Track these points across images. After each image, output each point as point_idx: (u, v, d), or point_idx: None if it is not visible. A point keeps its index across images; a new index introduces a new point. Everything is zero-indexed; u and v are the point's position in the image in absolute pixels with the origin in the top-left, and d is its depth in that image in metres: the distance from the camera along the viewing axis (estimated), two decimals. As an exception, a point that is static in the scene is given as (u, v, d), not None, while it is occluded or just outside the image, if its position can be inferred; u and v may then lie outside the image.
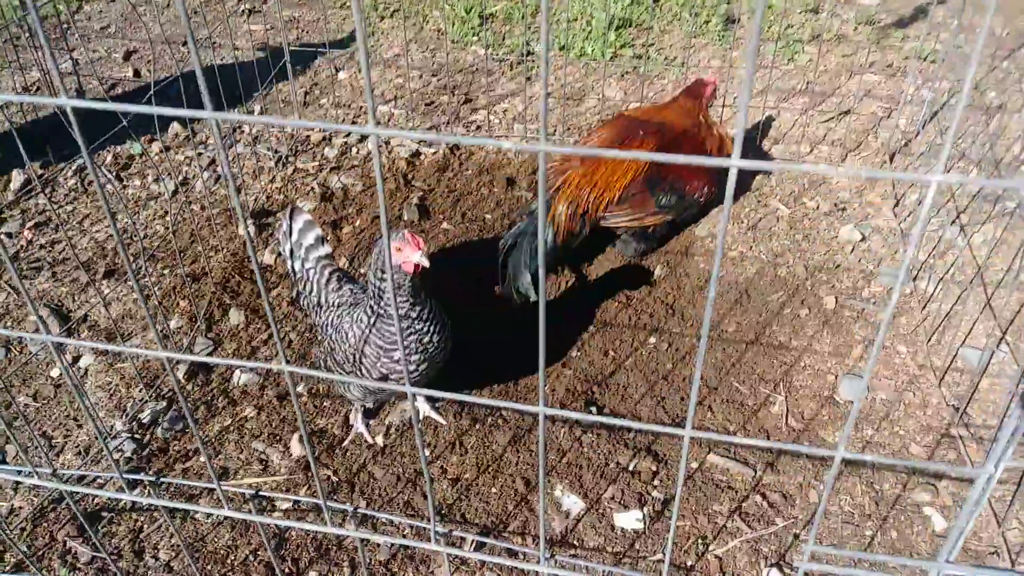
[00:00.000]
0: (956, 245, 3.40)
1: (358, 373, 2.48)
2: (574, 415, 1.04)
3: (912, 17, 5.43)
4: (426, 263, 2.25)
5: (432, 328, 2.41)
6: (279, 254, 3.45)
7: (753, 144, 4.13)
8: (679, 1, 5.58)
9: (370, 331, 2.39)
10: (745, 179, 3.91)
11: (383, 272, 2.30)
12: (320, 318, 2.66)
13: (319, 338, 2.71)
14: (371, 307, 2.38)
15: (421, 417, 2.83)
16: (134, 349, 1.06)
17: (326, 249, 2.73)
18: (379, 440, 2.75)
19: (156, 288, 3.32)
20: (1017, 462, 1.20)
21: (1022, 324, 3.09)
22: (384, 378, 2.44)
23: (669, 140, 3.38)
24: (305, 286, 2.74)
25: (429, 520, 2.49)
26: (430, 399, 2.85)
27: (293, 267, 2.78)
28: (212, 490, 2.61)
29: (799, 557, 2.39)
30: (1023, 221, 3.46)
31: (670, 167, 3.33)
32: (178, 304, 3.25)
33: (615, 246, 3.53)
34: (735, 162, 0.84)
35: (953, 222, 3.47)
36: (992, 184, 0.88)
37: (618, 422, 1.04)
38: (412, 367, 2.43)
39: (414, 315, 2.36)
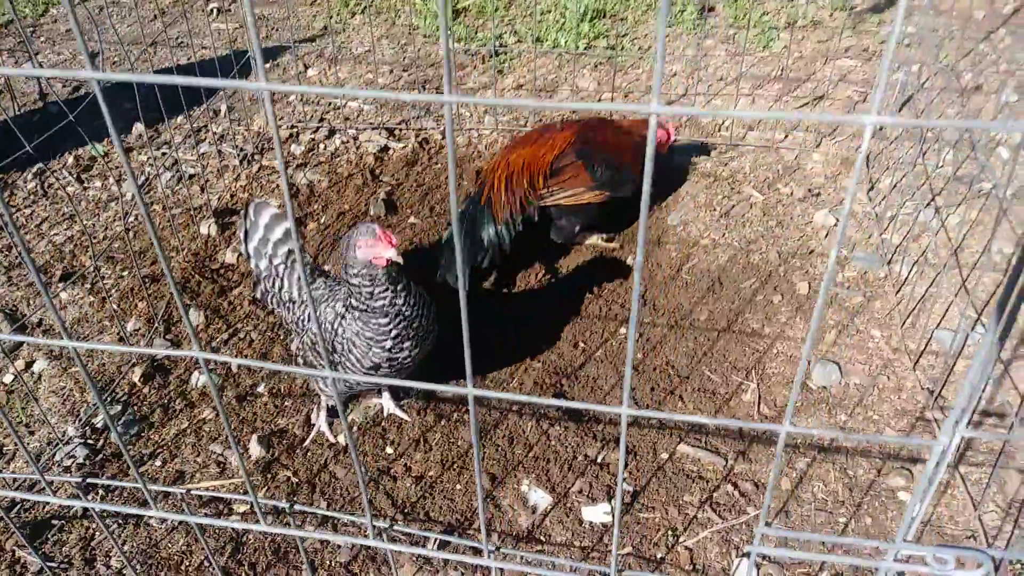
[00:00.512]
0: (931, 228, 3.34)
1: (345, 365, 2.41)
2: (501, 395, 0.97)
3: (888, 2, 5.37)
4: (399, 259, 2.19)
5: (419, 312, 2.35)
6: (240, 254, 3.38)
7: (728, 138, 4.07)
8: (653, -9, 5.52)
9: (357, 323, 2.32)
10: (718, 170, 3.84)
11: (349, 267, 2.24)
12: (295, 313, 2.58)
13: (295, 333, 2.64)
14: (349, 302, 2.32)
15: (386, 415, 2.76)
16: (90, 344, 0.99)
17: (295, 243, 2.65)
18: (340, 439, 2.67)
19: (114, 290, 3.24)
20: (974, 432, 1.13)
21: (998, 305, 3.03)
22: (376, 367, 2.38)
23: (593, 126, 3.37)
24: (274, 283, 2.65)
25: (384, 519, 2.41)
26: (394, 396, 2.77)
27: (258, 264, 2.70)
28: (168, 494, 2.53)
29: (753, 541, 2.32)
30: (998, 201, 3.40)
31: (599, 140, 3.33)
32: (136, 306, 3.17)
33: (552, 233, 3.43)
34: (654, 108, 0.78)
35: (928, 204, 3.41)
36: (920, 124, 0.80)
37: (545, 401, 0.97)
38: (404, 354, 2.37)
39: (399, 302, 2.29)
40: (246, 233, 2.69)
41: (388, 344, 2.32)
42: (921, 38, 4.69)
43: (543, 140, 3.33)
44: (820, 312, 0.87)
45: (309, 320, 2.51)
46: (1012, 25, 5.05)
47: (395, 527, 1.60)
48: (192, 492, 1.93)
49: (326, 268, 3.29)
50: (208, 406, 2.80)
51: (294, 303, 2.60)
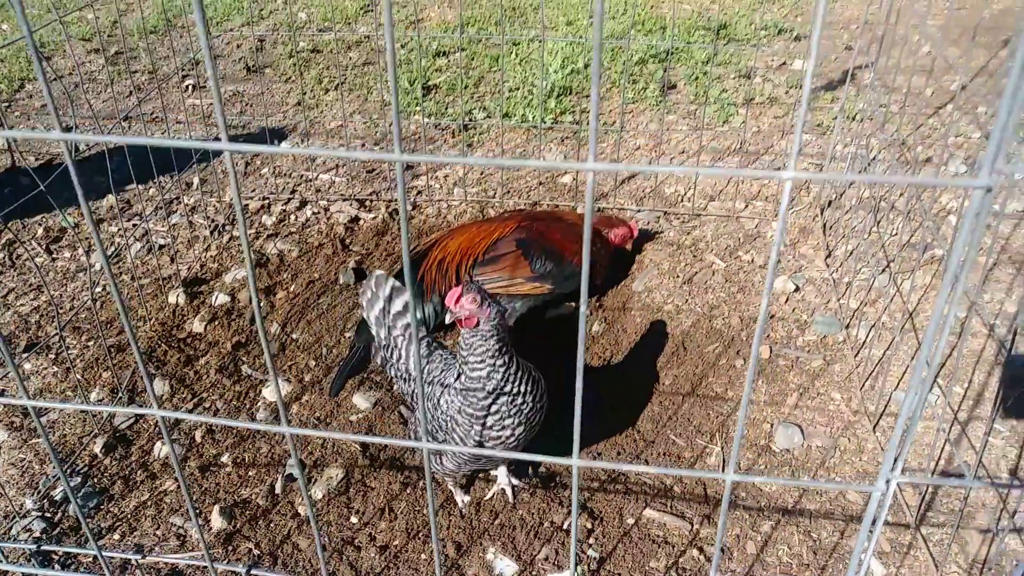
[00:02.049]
0: (887, 293, 3.44)
1: (451, 442, 2.37)
2: (458, 449, 1.00)
3: (840, 80, 5.63)
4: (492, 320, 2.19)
5: (525, 389, 2.28)
6: (207, 323, 3.38)
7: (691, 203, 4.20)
8: (618, 69, 5.75)
9: (458, 397, 2.29)
10: (681, 239, 3.95)
11: (469, 334, 2.21)
12: (409, 386, 2.58)
13: (408, 407, 2.62)
14: (459, 372, 2.29)
15: (505, 486, 2.70)
16: (49, 403, 1.00)
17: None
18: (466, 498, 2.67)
19: (78, 360, 3.22)
20: (909, 477, 1.17)
21: (952, 367, 3.10)
22: (480, 444, 2.32)
23: (540, 217, 3.44)
24: (392, 353, 2.64)
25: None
26: (516, 468, 2.74)
27: (379, 333, 2.68)
28: (125, 568, 2.47)
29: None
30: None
31: (543, 231, 3.37)
32: (100, 376, 3.15)
33: None
34: (590, 165, 0.84)
35: (883, 270, 3.52)
36: (832, 178, 0.86)
37: (500, 454, 1.00)
38: (507, 432, 2.30)
39: (503, 377, 2.23)
40: (368, 302, 2.68)
41: (489, 422, 2.27)
42: (872, 113, 4.92)
43: (484, 226, 3.38)
44: (755, 352, 0.91)
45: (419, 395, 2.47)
46: (959, 101, 5.31)
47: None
48: (147, 559, 1.89)
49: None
50: (170, 477, 2.76)
51: (410, 375, 2.58)
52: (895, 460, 1.09)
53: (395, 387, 2.70)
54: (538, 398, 2.34)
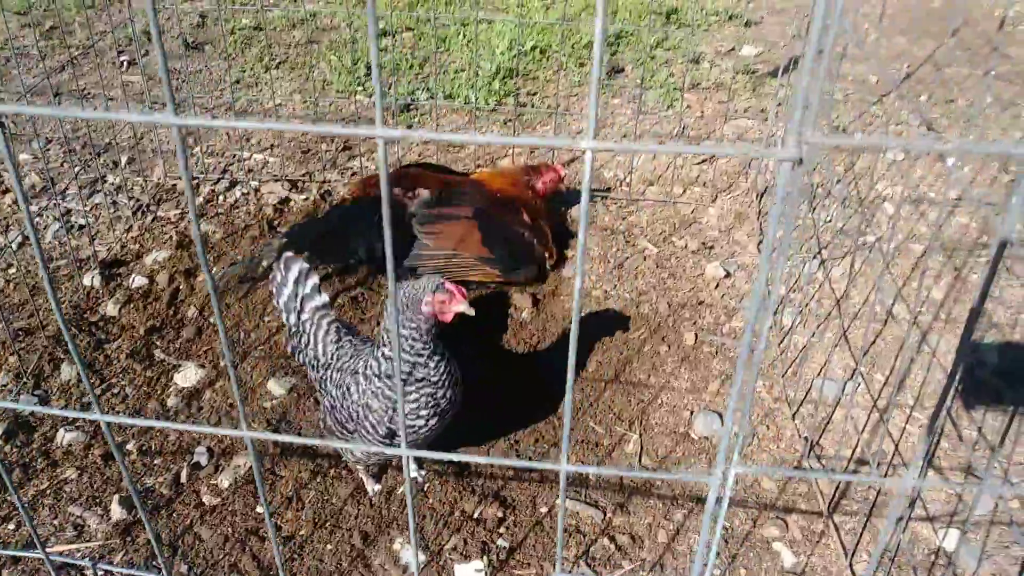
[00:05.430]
0: (817, 279, 3.43)
1: (362, 432, 2.30)
2: (291, 439, 0.93)
3: (787, 67, 5.61)
4: (471, 312, 2.16)
5: (446, 381, 2.24)
6: (121, 303, 3.27)
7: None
8: (565, 52, 5.67)
9: (379, 382, 2.23)
10: (615, 224, 3.90)
11: (409, 322, 2.17)
12: (318, 373, 2.48)
13: (319, 393, 2.53)
14: (383, 355, 2.23)
15: (415, 474, 2.64)
16: None
17: (323, 298, 2.52)
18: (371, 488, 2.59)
19: (-17, 344, 3.09)
20: (744, 468, 1.12)
21: (877, 354, 3.10)
22: (391, 435, 2.26)
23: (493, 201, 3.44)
24: (301, 339, 2.54)
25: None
26: (419, 460, 2.66)
27: (288, 319, 2.58)
28: (17, 560, 2.37)
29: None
30: (881, 255, 3.52)
31: (496, 208, 3.36)
32: (7, 360, 3.02)
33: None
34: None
35: (815, 256, 3.50)
36: (633, 149, 0.81)
37: (314, 441, 0.93)
38: (421, 423, 2.25)
39: (431, 365, 2.20)
40: (277, 287, 2.58)
41: (406, 409, 2.21)
42: (819, 100, 4.90)
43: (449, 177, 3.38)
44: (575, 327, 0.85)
45: (327, 383, 2.42)
46: (903, 89, 5.32)
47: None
48: (33, 554, 1.81)
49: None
50: (72, 465, 2.66)
51: (319, 362, 2.49)
52: (729, 448, 1.05)
53: (308, 375, 2.62)
54: (456, 391, 2.31)
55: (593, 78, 0.72)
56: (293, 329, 2.59)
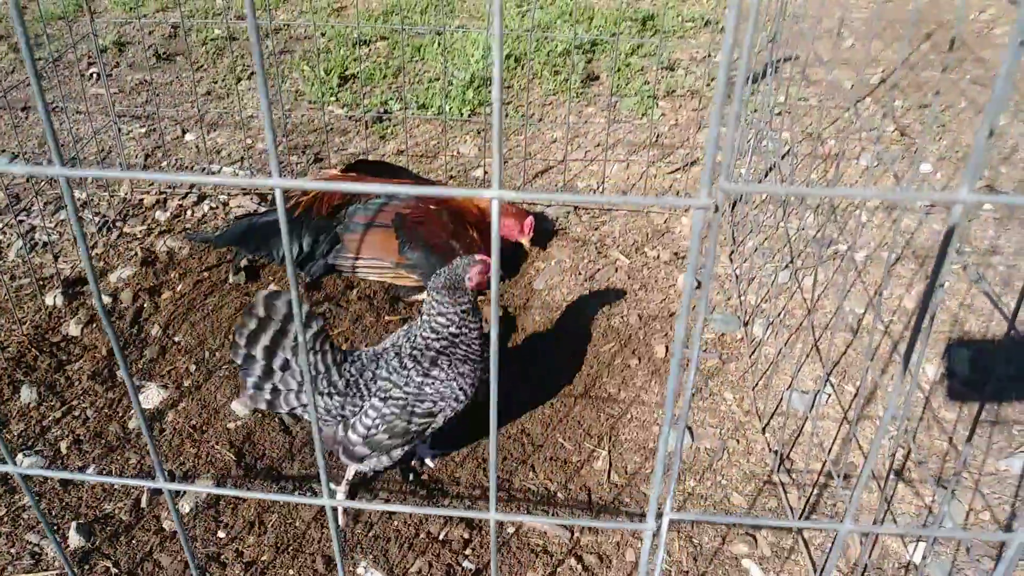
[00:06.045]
0: (789, 289, 3.41)
1: (449, 405, 2.45)
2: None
3: (763, 72, 5.61)
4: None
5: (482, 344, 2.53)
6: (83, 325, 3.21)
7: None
8: (540, 60, 5.65)
9: (457, 364, 2.46)
10: (587, 235, 3.88)
11: (460, 297, 2.43)
12: (359, 391, 2.41)
13: (362, 414, 2.41)
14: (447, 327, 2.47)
15: (426, 465, 2.74)
16: None
17: (319, 323, 2.33)
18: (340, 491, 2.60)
19: (-60, 367, 3.03)
20: (679, 515, 1.09)
21: (848, 364, 3.09)
22: (473, 393, 2.51)
23: (427, 204, 3.42)
24: (288, 385, 2.38)
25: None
26: (433, 449, 2.77)
27: (268, 367, 2.35)
28: (-30, 593, 2.31)
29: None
30: (853, 264, 3.51)
31: (416, 215, 3.35)
32: (-36, 384, 2.96)
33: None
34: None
35: (786, 266, 3.49)
36: (553, 198, 0.77)
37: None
38: (476, 380, 2.51)
39: (476, 329, 2.51)
40: (250, 335, 2.31)
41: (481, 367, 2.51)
42: (791, 107, 4.90)
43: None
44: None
45: (372, 394, 2.43)
46: (877, 94, 5.33)
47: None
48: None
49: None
50: (32, 491, 2.60)
51: (338, 388, 2.39)
52: (659, 494, 1.01)
53: (306, 414, 2.51)
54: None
55: (495, 125, 0.69)
56: (266, 383, 2.37)
